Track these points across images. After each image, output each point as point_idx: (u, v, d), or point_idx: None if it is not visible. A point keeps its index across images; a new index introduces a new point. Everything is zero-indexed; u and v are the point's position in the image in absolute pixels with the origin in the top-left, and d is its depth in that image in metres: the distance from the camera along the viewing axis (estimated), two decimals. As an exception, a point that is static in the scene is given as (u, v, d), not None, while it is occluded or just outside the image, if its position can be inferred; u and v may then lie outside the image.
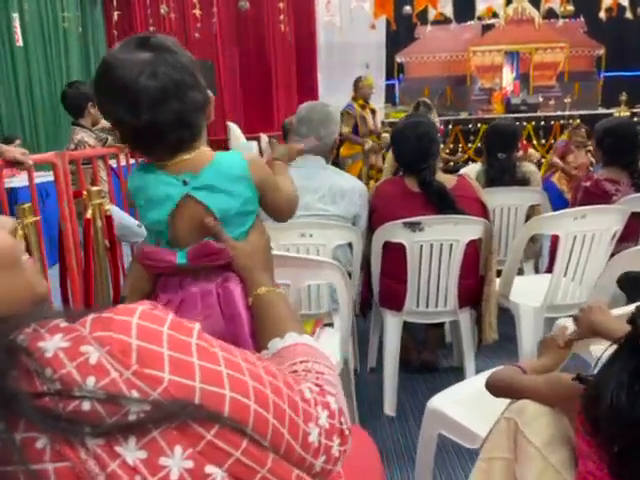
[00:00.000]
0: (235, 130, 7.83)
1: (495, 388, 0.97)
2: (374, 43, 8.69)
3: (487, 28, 8.65)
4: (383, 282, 2.20)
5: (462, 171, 2.88)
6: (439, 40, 8.93)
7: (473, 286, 2.16)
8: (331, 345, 1.80)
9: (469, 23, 8.48)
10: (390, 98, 8.69)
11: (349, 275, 2.18)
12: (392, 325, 2.20)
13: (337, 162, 5.58)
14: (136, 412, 0.48)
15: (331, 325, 1.98)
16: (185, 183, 0.93)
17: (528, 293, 2.23)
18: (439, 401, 1.46)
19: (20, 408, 0.46)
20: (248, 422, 0.54)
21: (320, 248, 2.00)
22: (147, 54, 0.88)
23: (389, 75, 8.96)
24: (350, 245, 2.09)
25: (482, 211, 2.09)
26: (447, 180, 2.09)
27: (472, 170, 2.84)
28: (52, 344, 0.48)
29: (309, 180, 1.97)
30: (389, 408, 2.20)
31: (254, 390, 0.56)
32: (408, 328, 2.57)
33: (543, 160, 5.59)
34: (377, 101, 8.63)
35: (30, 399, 0.46)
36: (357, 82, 5.52)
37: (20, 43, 6.16)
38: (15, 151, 2.14)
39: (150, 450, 0.48)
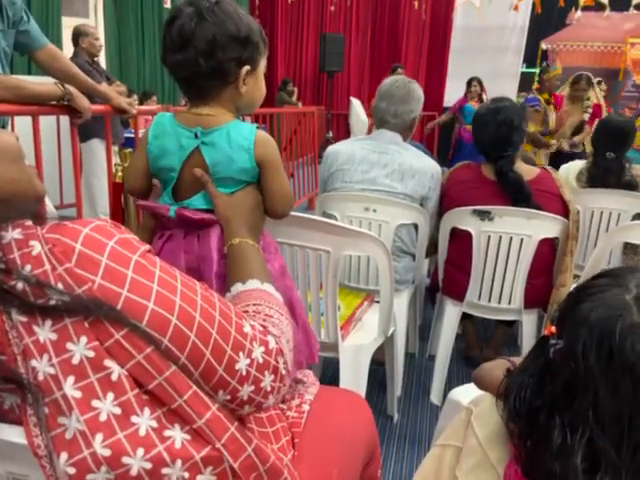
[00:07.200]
0: (357, 106, 7.86)
1: (475, 380, 0.93)
2: (516, 27, 8.22)
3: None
4: (447, 269, 2.14)
5: (564, 166, 2.68)
6: (593, 28, 8.24)
7: (544, 288, 2.02)
8: (373, 321, 1.81)
9: (632, 12, 7.69)
10: (527, 86, 8.23)
11: (413, 257, 2.15)
12: (450, 315, 2.14)
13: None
14: (56, 300, 0.57)
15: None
16: (196, 136, 0.98)
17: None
18: (461, 393, 1.41)
19: None
20: (166, 334, 0.60)
21: (383, 225, 1.98)
22: (190, 9, 0.94)
23: (529, 62, 8.49)
24: (416, 226, 2.05)
25: (563, 209, 1.93)
26: (527, 172, 1.95)
27: (575, 166, 2.62)
28: (10, 235, 0.59)
29: (379, 155, 1.95)
30: (435, 397, 2.17)
31: (180, 309, 0.62)
32: (476, 323, 2.49)
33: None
34: (511, 89, 8.20)
35: None
36: (543, 72, 4.59)
37: (168, 4, 6.66)
38: (123, 101, 2.34)
39: (60, 334, 0.57)
